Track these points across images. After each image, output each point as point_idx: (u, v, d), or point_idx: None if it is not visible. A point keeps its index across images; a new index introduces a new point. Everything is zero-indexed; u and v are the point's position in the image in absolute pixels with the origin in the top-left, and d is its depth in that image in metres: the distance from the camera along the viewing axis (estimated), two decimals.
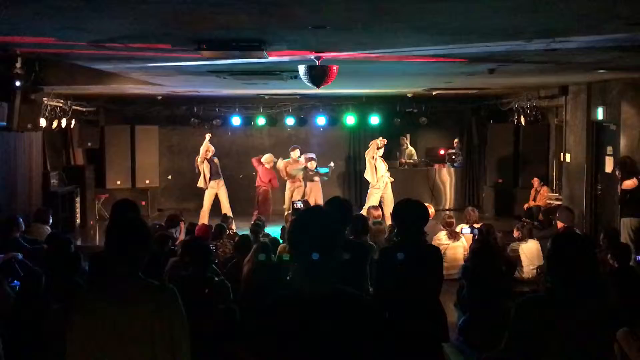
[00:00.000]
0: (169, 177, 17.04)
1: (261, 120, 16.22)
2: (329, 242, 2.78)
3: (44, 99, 11.26)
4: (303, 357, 2.73)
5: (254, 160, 14.75)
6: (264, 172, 14.47)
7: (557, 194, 13.46)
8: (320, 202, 13.57)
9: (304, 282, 2.80)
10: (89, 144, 15.17)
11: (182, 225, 10.51)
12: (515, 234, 9.56)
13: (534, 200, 13.72)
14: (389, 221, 10.77)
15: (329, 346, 2.71)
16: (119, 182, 15.63)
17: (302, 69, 7.03)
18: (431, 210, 10.06)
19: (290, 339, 2.73)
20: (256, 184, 14.55)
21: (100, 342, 3.15)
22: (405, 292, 4.81)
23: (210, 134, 14.34)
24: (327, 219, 2.87)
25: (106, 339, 3.15)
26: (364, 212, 11.89)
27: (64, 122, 13.09)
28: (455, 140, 17.31)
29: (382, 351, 2.79)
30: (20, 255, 7.72)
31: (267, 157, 14.54)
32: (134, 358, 3.17)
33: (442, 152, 17.56)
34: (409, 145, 17.03)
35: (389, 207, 12.69)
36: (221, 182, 14.19)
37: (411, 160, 16.96)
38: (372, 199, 13.78)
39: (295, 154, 14.57)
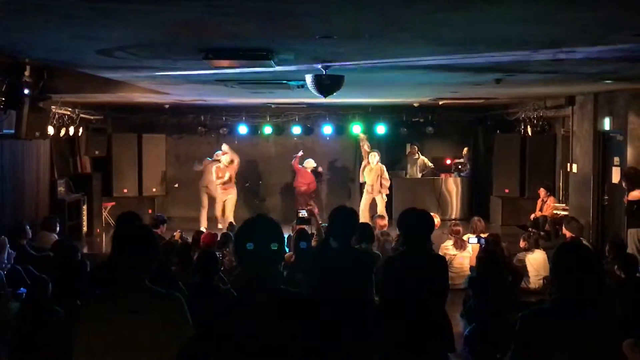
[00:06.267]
0: (176, 185, 17.06)
1: (268, 129, 16.25)
2: (263, 236, 2.92)
3: (52, 107, 11.33)
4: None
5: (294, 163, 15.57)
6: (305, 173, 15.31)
7: (564, 205, 13.42)
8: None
9: (251, 285, 2.91)
10: (97, 152, 15.22)
11: (163, 228, 10.65)
12: (522, 244, 9.54)
13: (541, 210, 13.67)
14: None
15: (275, 347, 2.77)
16: (125, 190, 15.66)
17: (309, 78, 7.05)
18: (437, 220, 10.05)
19: (238, 343, 2.79)
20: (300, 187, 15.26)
21: (107, 350, 3.16)
22: (410, 301, 4.81)
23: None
24: (266, 220, 3.05)
25: (113, 347, 3.16)
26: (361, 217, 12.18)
27: (71, 130, 13.14)
28: (465, 149, 17.30)
29: (325, 350, 2.87)
30: None
31: (309, 162, 15.53)
32: None
33: (448, 161, 17.55)
34: (420, 155, 17.03)
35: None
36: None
37: (425, 171, 16.94)
38: (363, 201, 14.42)
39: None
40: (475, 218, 10.97)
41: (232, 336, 2.81)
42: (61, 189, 12.92)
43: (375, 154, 14.57)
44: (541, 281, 8.96)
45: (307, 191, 15.45)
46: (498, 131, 16.09)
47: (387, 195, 14.50)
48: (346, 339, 4.22)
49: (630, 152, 10.31)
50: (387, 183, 14.44)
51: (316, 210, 13.80)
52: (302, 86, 8.30)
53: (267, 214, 3.28)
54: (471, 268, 9.44)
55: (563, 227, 10.04)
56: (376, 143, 16.86)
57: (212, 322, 2.92)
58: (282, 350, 2.78)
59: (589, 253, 3.45)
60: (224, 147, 15.05)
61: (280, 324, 2.81)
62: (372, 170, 14.40)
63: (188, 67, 7.22)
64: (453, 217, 16.35)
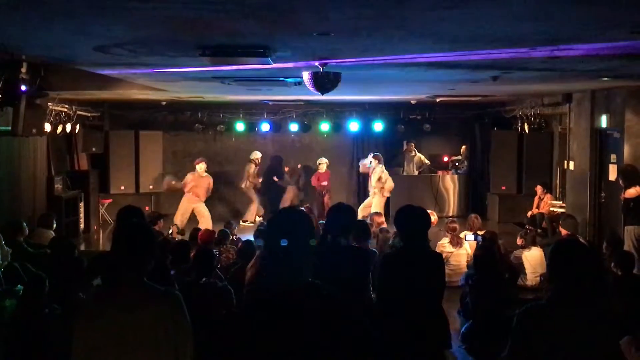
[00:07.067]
0: (173, 182, 17.03)
1: (265, 126, 16.24)
2: (297, 230, 2.90)
3: (49, 104, 11.30)
4: (279, 353, 2.76)
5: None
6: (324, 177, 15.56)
7: (561, 202, 13.44)
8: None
9: (277, 278, 2.88)
10: (93, 149, 15.19)
11: (161, 224, 10.69)
12: (519, 241, 9.56)
13: (538, 207, 13.70)
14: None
15: (303, 341, 2.75)
16: (122, 187, 15.64)
17: (306, 75, 7.04)
18: (434, 217, 10.07)
19: (266, 337, 2.77)
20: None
21: (105, 347, 3.16)
22: (407, 298, 4.81)
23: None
24: (298, 214, 3.06)
25: (111, 344, 3.15)
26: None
27: (68, 127, 13.10)
28: (463, 147, 17.31)
29: (354, 346, 2.85)
30: None
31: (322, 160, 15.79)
32: None
33: (445, 158, 17.56)
34: (417, 152, 17.05)
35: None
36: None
37: (422, 168, 16.97)
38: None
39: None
40: (472, 215, 10.99)
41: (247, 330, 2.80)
42: (58, 185, 12.90)
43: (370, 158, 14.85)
44: (538, 278, 8.98)
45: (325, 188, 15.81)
46: (495, 128, 16.09)
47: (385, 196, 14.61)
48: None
49: (627, 150, 10.32)
50: (385, 183, 14.44)
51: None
52: (300, 83, 8.29)
53: (289, 209, 3.23)
54: (468, 265, 9.45)
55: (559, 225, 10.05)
56: (373, 140, 16.90)
57: (229, 317, 2.91)
58: (289, 345, 2.77)
59: (585, 249, 3.46)
60: (256, 153, 15.94)
61: (304, 315, 2.80)
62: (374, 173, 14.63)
63: (185, 64, 7.21)
64: (450, 214, 16.37)
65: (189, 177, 14.16)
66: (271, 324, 2.78)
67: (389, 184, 14.37)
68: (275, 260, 2.89)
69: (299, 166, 16.65)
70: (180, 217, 13.76)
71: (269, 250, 2.94)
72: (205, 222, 13.75)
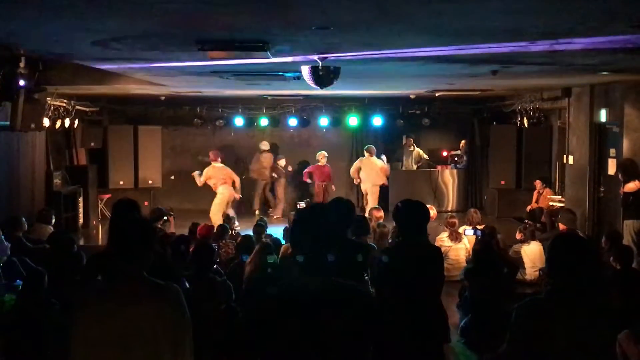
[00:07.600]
0: (172, 177, 17.04)
1: (264, 121, 16.24)
2: (320, 243, 2.87)
3: (48, 98, 11.28)
4: (301, 347, 2.75)
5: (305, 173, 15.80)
6: (320, 170, 15.51)
7: (560, 196, 13.44)
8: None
9: (298, 277, 2.89)
10: (92, 144, 15.18)
11: (172, 221, 10.62)
12: (518, 236, 9.56)
13: (537, 202, 13.69)
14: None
15: (326, 335, 2.74)
16: (121, 182, 15.63)
17: (305, 70, 7.03)
18: (433, 212, 10.07)
19: (288, 331, 2.76)
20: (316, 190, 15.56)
21: (104, 341, 3.15)
22: (406, 292, 4.81)
23: None
24: (324, 220, 2.99)
25: (110, 338, 3.14)
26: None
27: (67, 122, 13.10)
28: (462, 141, 17.30)
29: (379, 339, 2.85)
30: None
31: (320, 154, 15.66)
32: (138, 358, 3.17)
33: (444, 153, 17.56)
34: (415, 147, 17.05)
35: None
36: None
37: (420, 162, 17.00)
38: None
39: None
40: (472, 210, 11.00)
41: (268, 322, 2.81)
42: (57, 181, 12.89)
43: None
44: (537, 273, 8.97)
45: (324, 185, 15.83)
46: (494, 123, 16.09)
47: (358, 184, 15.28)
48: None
49: (626, 144, 10.32)
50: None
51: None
52: (299, 78, 8.28)
53: (313, 215, 3.10)
54: (467, 260, 9.46)
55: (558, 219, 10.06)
56: (372, 135, 16.89)
57: (261, 309, 2.90)
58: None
59: (583, 243, 3.46)
60: (264, 144, 16.25)
61: (327, 310, 2.81)
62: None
63: (184, 59, 7.20)
64: (449, 209, 16.37)
65: None
66: (281, 319, 2.78)
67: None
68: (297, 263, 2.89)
69: (278, 162, 16.57)
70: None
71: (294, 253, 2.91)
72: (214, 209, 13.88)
